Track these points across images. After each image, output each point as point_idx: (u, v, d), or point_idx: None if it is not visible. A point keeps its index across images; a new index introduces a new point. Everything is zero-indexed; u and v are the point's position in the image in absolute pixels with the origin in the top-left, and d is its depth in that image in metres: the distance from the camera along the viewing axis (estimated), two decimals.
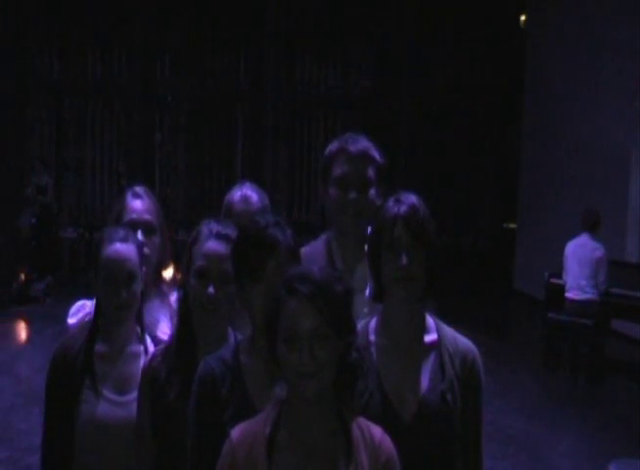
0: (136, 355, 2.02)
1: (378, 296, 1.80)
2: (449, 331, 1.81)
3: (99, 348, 2.03)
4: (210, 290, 1.84)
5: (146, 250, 2.24)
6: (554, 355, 7.11)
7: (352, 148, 2.17)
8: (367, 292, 2.13)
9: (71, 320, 2.25)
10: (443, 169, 11.42)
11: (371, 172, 2.17)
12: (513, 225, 11.61)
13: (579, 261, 6.82)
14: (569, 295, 6.93)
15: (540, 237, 10.17)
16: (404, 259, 1.69)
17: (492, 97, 11.36)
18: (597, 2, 9.22)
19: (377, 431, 1.55)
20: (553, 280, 7.46)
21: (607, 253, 6.80)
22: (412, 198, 1.76)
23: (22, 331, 7.95)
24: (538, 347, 7.36)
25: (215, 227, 1.90)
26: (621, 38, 8.43)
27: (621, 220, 8.28)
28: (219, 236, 1.88)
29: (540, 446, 5.27)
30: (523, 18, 11.36)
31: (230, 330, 1.95)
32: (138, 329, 2.08)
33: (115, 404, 1.97)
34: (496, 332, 8.28)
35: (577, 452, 5.20)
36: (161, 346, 1.99)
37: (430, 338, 1.78)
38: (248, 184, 2.72)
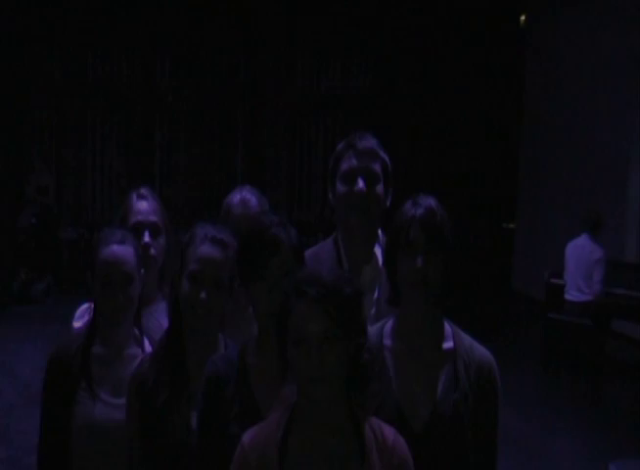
0: (134, 358, 2.00)
1: (394, 299, 1.77)
2: (466, 339, 1.77)
3: (96, 350, 2.02)
4: (203, 295, 1.82)
5: (152, 251, 2.24)
6: (554, 356, 7.11)
7: (360, 144, 2.17)
8: (375, 293, 2.13)
9: (77, 323, 2.25)
10: (443, 169, 11.42)
11: (378, 168, 2.17)
12: (512, 225, 11.61)
13: (577, 262, 6.81)
14: (567, 296, 6.92)
15: (540, 237, 10.18)
16: (420, 262, 1.66)
17: (492, 97, 11.36)
18: (597, 2, 9.22)
19: (390, 432, 1.53)
20: (553, 280, 7.46)
21: (606, 254, 6.78)
22: (430, 200, 1.73)
23: (21, 331, 7.94)
24: (538, 347, 7.36)
25: (211, 231, 1.88)
26: (622, 39, 8.44)
27: (621, 220, 8.28)
28: (214, 241, 1.86)
29: (540, 447, 5.27)
30: (523, 18, 11.37)
31: (221, 336, 1.94)
32: (136, 331, 2.07)
33: (112, 407, 1.96)
34: (495, 332, 8.28)
35: (577, 452, 5.20)
36: (151, 350, 1.98)
37: (446, 345, 1.73)
38: (248, 188, 2.72)
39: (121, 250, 1.98)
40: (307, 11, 11.24)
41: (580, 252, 6.81)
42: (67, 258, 10.79)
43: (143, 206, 2.30)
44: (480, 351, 1.76)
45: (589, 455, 5.09)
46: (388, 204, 2.22)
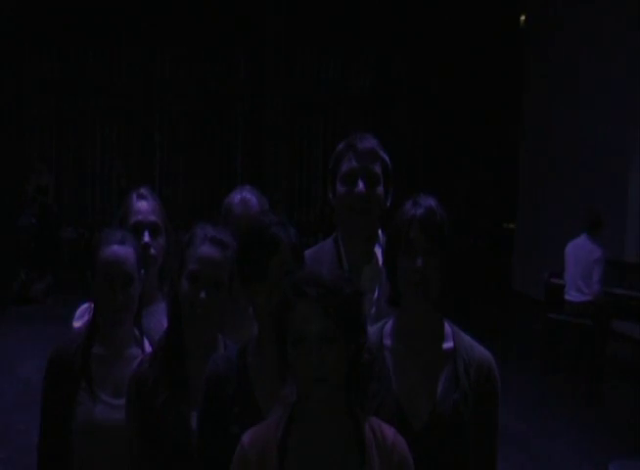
0: (134, 358, 2.00)
1: (394, 299, 1.78)
2: (466, 339, 1.77)
3: (96, 350, 2.02)
4: (202, 295, 1.83)
5: (152, 251, 2.24)
6: (554, 356, 7.10)
7: (360, 145, 2.17)
8: (375, 293, 2.13)
9: (77, 323, 2.25)
10: (443, 169, 11.42)
11: (378, 169, 2.17)
12: (512, 225, 11.61)
13: (577, 262, 6.79)
14: (567, 296, 6.90)
15: (539, 237, 10.17)
16: (419, 262, 1.66)
17: (492, 97, 11.35)
18: (597, 2, 9.21)
19: (389, 432, 1.53)
20: (553, 280, 7.45)
21: (605, 254, 6.76)
22: (430, 201, 1.74)
23: (22, 331, 7.94)
24: (538, 347, 7.35)
25: (211, 232, 1.89)
26: (622, 38, 8.44)
27: (621, 220, 8.28)
28: (214, 241, 1.87)
29: (540, 447, 5.27)
30: (523, 18, 11.36)
31: (220, 336, 1.95)
32: (136, 332, 2.07)
33: (112, 407, 1.96)
34: (495, 332, 8.28)
35: (577, 453, 5.19)
36: (151, 350, 1.98)
37: (446, 345, 1.74)
38: (248, 188, 2.71)
39: (121, 250, 1.99)
40: (307, 11, 11.24)
41: (579, 252, 6.79)
42: (67, 258, 10.79)
43: (143, 206, 2.30)
44: (480, 350, 1.76)
45: (589, 455, 5.09)
46: (388, 204, 2.22)
